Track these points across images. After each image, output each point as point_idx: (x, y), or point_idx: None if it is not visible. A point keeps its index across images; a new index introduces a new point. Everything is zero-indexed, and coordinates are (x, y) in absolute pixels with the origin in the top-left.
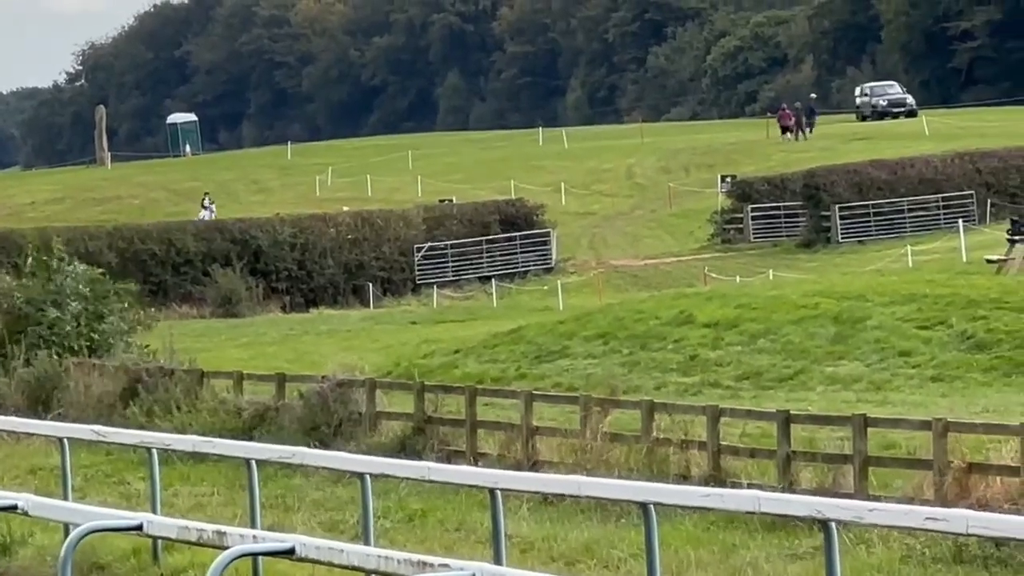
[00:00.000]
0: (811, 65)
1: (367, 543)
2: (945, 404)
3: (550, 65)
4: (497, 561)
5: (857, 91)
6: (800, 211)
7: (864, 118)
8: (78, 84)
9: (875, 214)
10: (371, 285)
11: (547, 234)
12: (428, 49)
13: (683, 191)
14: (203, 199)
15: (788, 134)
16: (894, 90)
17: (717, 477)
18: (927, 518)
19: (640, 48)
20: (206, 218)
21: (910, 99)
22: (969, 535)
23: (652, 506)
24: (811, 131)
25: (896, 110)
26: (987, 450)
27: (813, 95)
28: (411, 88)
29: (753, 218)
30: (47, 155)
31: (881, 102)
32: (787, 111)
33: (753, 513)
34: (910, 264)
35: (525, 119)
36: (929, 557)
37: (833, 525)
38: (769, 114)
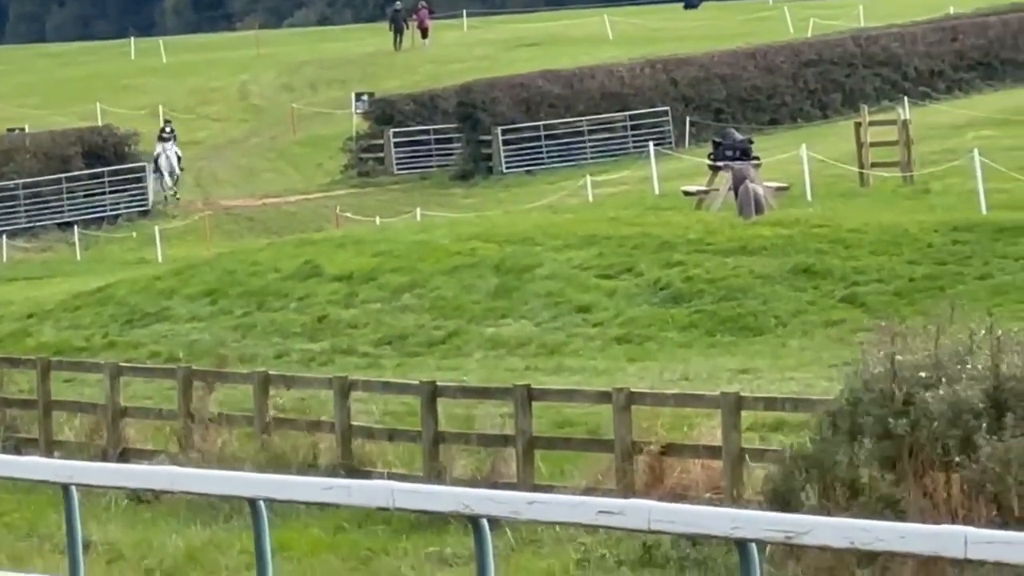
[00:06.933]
0: None
1: None
2: (634, 371)
3: None
4: (74, 575)
5: None
6: (455, 135)
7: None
8: None
9: (547, 137)
10: None
11: (142, 169)
12: None
13: (309, 113)
14: (163, 128)
15: (426, 40)
16: None
17: (349, 465)
18: (600, 512)
19: None
20: (165, 159)
21: None
22: (653, 531)
23: (262, 502)
24: None
25: None
26: (687, 427)
27: None
28: None
29: (396, 145)
30: None
31: None
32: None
33: (387, 509)
34: (590, 198)
35: (114, 28)
36: (612, 560)
37: (484, 522)
38: (413, 16)
